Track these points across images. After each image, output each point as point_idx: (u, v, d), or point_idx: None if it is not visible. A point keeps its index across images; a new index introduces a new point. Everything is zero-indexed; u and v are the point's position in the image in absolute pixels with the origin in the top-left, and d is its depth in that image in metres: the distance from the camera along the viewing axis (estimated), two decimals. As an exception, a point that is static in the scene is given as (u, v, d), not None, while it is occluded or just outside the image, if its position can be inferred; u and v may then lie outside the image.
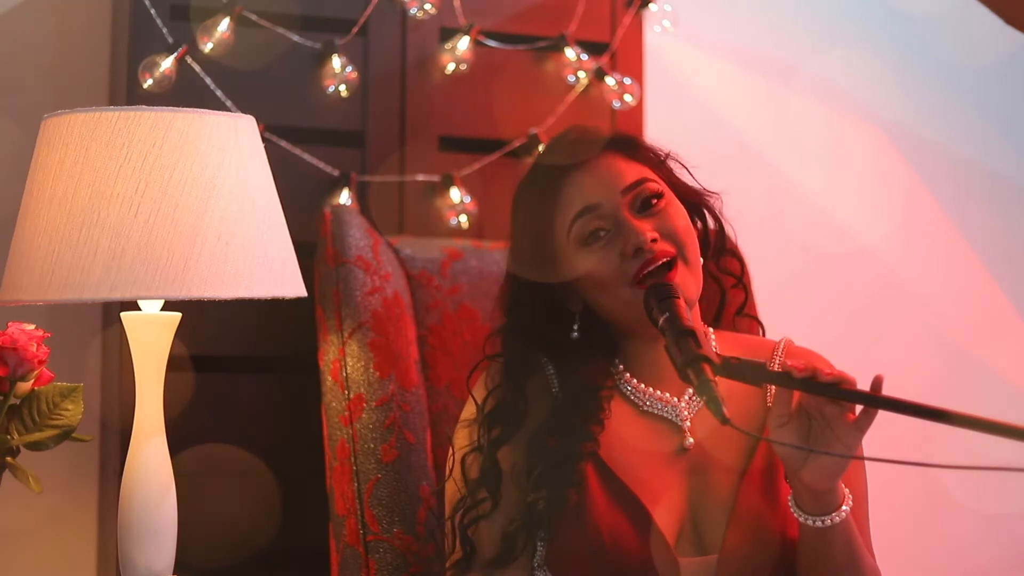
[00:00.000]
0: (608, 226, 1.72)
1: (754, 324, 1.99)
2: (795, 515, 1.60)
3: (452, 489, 1.77)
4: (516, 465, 1.71)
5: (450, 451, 1.80)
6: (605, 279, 1.71)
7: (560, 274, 1.76)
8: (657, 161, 1.81)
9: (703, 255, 1.80)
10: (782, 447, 1.56)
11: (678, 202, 1.77)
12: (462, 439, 1.78)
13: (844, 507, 1.59)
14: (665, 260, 1.69)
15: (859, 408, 1.53)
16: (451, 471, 1.77)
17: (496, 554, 1.69)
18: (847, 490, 1.60)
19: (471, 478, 1.74)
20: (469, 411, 1.80)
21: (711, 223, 1.84)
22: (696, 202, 1.82)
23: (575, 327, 1.78)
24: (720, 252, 1.86)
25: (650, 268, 1.68)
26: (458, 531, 1.73)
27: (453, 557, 1.75)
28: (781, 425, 1.56)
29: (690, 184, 1.83)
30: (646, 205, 1.73)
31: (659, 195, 1.74)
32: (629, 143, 1.81)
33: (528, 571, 1.70)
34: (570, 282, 1.76)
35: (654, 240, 1.69)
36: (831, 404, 1.53)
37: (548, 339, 1.78)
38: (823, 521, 1.58)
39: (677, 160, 1.83)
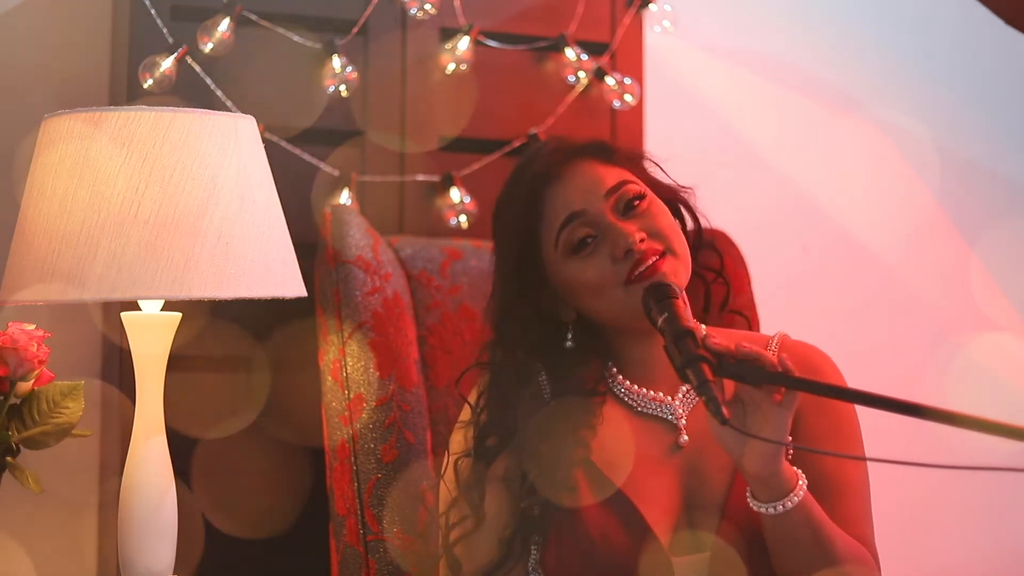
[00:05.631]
0: (595, 232, 1.73)
1: (741, 320, 1.99)
2: (751, 506, 1.60)
3: (444, 491, 1.78)
4: (509, 471, 1.72)
5: (445, 453, 1.81)
6: (598, 284, 1.72)
7: (549, 284, 1.77)
8: (634, 163, 1.82)
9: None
10: (722, 436, 1.55)
11: (660, 201, 1.79)
12: (457, 442, 1.79)
13: (795, 493, 1.58)
14: (654, 258, 1.70)
15: (784, 389, 1.54)
16: (444, 472, 1.78)
17: (495, 560, 1.70)
18: (801, 476, 1.60)
19: (462, 481, 1.74)
20: (466, 413, 1.81)
21: (688, 220, 1.86)
22: (672, 199, 1.84)
23: (569, 336, 1.79)
24: (698, 247, 1.87)
25: (641, 268, 1.69)
26: (446, 548, 1.73)
27: (443, 568, 1.76)
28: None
29: (664, 182, 1.84)
30: (629, 207, 1.75)
31: (641, 196, 1.76)
32: (603, 149, 1.82)
33: (523, 573, 1.71)
34: (559, 293, 1.77)
35: (642, 240, 1.70)
36: (758, 388, 1.53)
37: (540, 349, 1.78)
38: (775, 508, 1.58)
39: (650, 159, 1.85)
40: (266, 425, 2.23)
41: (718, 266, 1.93)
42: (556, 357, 1.79)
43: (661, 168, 1.85)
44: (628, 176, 1.78)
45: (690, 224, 1.87)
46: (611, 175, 1.77)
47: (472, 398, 1.80)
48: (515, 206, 1.79)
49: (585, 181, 1.76)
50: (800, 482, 1.59)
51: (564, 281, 1.76)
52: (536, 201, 1.77)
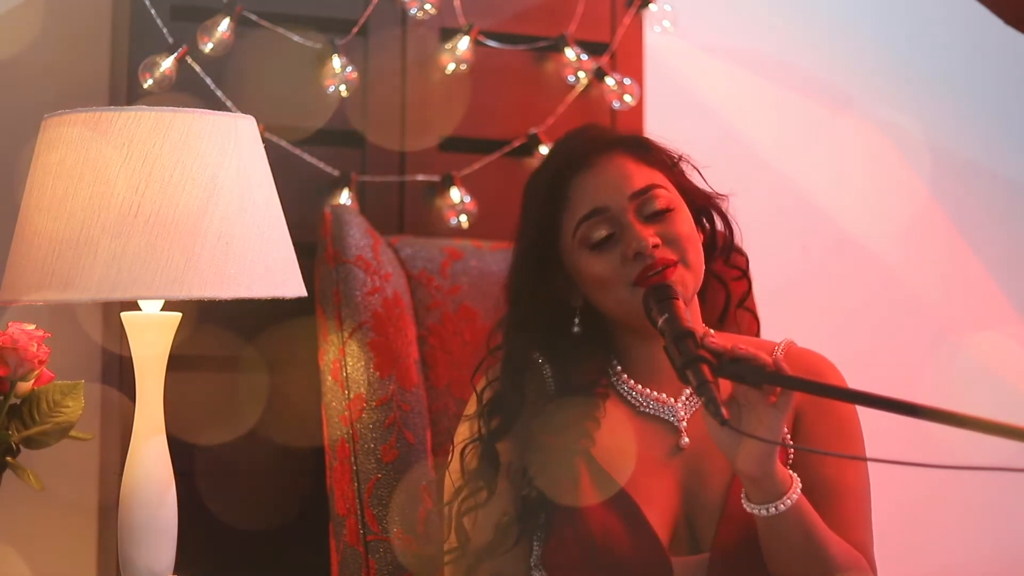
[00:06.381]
0: (613, 229, 1.73)
1: (751, 318, 2.00)
2: (745, 507, 1.60)
3: (448, 482, 1.79)
4: (512, 462, 1.73)
5: (451, 445, 1.81)
6: (606, 280, 1.73)
7: (563, 270, 1.78)
8: (669, 165, 1.81)
9: (711, 256, 1.82)
10: (718, 436, 1.56)
11: (685, 209, 1.78)
12: (463, 432, 1.80)
13: (789, 496, 1.58)
14: (664, 266, 1.70)
15: (779, 390, 1.54)
16: (450, 462, 1.79)
17: (489, 542, 1.71)
18: (796, 479, 1.60)
19: (469, 469, 1.75)
20: (472, 407, 1.81)
21: (719, 225, 1.85)
22: (705, 205, 1.83)
23: (576, 322, 1.79)
24: (728, 251, 1.87)
25: (649, 273, 1.69)
26: (454, 520, 1.74)
27: (448, 545, 1.76)
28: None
29: (700, 187, 1.84)
30: (652, 211, 1.74)
31: (667, 205, 1.75)
32: (641, 145, 1.81)
33: (525, 570, 1.72)
34: (572, 278, 1.78)
35: (656, 246, 1.70)
36: (753, 390, 1.54)
37: (548, 332, 1.79)
38: (767, 510, 1.58)
39: (689, 162, 1.84)
40: (266, 425, 2.23)
41: (744, 265, 1.95)
42: (562, 341, 1.79)
43: (699, 172, 1.84)
44: (659, 179, 1.77)
45: (720, 228, 1.86)
46: (642, 176, 1.76)
47: (480, 387, 1.81)
48: (543, 187, 1.79)
49: (614, 176, 1.75)
50: (794, 485, 1.59)
51: (576, 269, 1.77)
52: (563, 186, 1.77)
